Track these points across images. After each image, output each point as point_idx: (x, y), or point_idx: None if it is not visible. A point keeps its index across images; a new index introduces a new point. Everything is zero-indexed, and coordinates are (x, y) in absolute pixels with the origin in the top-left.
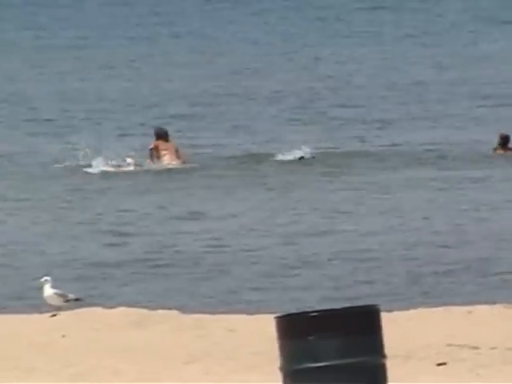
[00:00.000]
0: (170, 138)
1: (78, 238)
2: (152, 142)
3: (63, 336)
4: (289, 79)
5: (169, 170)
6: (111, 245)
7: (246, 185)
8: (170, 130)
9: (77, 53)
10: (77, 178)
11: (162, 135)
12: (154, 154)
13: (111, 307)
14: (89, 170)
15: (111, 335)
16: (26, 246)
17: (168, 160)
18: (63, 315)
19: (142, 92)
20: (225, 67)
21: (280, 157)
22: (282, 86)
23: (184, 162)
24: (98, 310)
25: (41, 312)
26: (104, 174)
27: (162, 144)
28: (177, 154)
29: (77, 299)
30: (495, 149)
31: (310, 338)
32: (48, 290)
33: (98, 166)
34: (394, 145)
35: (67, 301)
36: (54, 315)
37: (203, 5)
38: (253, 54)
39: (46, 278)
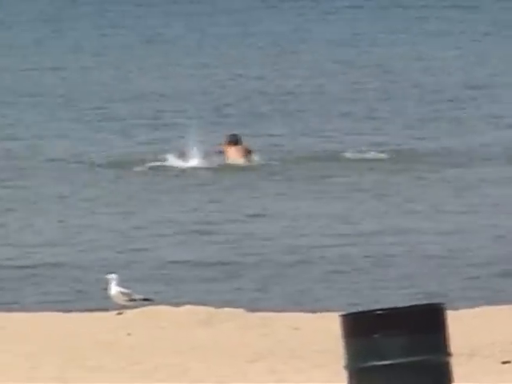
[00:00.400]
0: (242, 141)
1: (149, 237)
2: (220, 146)
3: (129, 334)
4: (363, 78)
5: (238, 169)
6: (181, 243)
7: (318, 184)
8: (244, 128)
9: (151, 51)
10: (150, 176)
11: (233, 141)
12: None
13: (178, 305)
14: (161, 168)
15: (178, 333)
16: (99, 243)
17: (234, 158)
18: (129, 313)
19: (216, 90)
20: (299, 66)
21: (353, 155)
22: (356, 84)
23: (251, 160)
24: (165, 308)
25: (107, 310)
26: (176, 172)
27: (228, 147)
28: (245, 153)
29: (145, 299)
30: None
31: (375, 336)
32: (113, 288)
33: (172, 163)
34: (470, 143)
35: (132, 300)
36: (120, 313)
37: (279, 3)
38: (328, 52)
39: (111, 275)
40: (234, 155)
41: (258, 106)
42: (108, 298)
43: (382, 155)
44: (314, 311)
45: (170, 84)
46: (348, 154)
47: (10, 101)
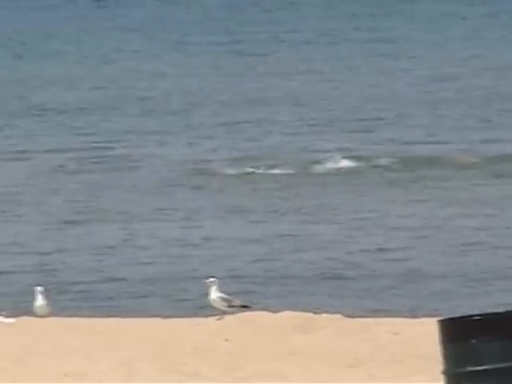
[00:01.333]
0: None
1: (258, 242)
2: None
3: (227, 340)
4: (480, 81)
5: (352, 173)
6: (291, 251)
7: (430, 189)
8: (360, 134)
9: (278, 54)
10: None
11: None
12: None
13: (275, 311)
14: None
15: (276, 339)
16: (217, 248)
17: None
18: (226, 319)
19: (333, 98)
20: (419, 72)
21: (462, 159)
22: (471, 88)
23: None
24: (263, 313)
25: (206, 315)
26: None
27: None
28: None
29: (243, 306)
30: None
31: (473, 341)
32: (213, 294)
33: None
34: None
35: (231, 306)
36: (220, 319)
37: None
38: (443, 55)
39: (211, 279)
40: None
41: (371, 112)
42: (208, 302)
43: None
44: (414, 316)
45: (298, 88)
46: (458, 158)
47: (124, 107)
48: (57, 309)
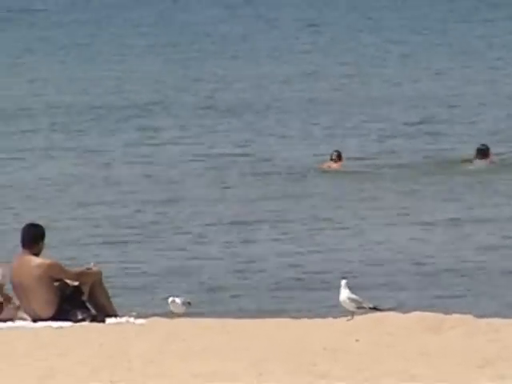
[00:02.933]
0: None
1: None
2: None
3: (357, 340)
4: None
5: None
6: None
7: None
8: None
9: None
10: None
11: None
12: None
13: (405, 312)
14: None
15: (406, 340)
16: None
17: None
18: (357, 319)
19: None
20: None
21: None
22: None
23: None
24: (393, 314)
25: (335, 316)
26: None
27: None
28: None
29: (374, 308)
30: None
31: None
32: (343, 294)
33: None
34: None
35: (360, 307)
36: (350, 319)
37: None
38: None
39: (343, 280)
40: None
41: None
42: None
43: None
44: None
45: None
46: None
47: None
48: (191, 309)
